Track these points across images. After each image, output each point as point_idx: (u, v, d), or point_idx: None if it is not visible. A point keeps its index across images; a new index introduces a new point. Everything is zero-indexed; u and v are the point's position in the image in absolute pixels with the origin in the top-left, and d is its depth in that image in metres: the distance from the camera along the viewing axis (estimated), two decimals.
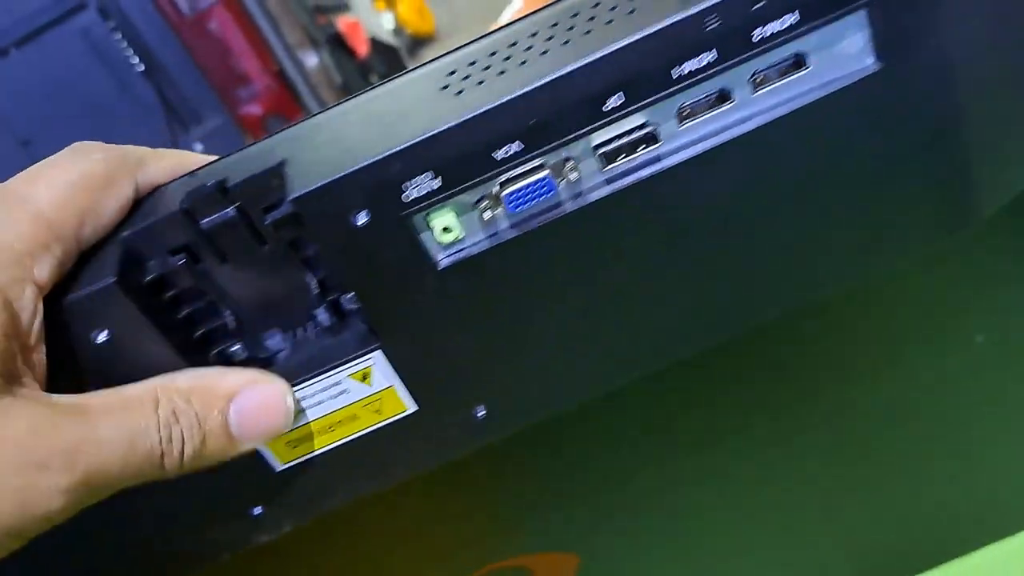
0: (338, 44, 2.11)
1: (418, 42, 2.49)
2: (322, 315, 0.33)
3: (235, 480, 0.35)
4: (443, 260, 0.31)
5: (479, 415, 0.35)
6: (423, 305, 0.31)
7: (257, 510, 0.35)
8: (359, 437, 0.35)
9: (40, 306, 0.28)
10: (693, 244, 0.32)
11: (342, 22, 2.26)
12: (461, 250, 0.31)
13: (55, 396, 0.27)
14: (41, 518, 0.26)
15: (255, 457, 0.33)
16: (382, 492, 0.36)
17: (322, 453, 0.35)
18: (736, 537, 0.45)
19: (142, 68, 1.54)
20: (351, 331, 0.33)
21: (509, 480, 0.40)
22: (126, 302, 0.30)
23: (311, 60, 1.75)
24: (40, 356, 0.28)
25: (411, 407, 0.34)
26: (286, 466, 0.35)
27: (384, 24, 2.38)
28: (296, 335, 0.33)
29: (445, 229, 0.30)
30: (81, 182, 0.30)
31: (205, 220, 0.29)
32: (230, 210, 0.29)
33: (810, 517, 0.45)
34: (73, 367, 0.30)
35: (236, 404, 0.30)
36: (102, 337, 0.30)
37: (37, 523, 0.26)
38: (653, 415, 0.38)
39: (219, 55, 1.55)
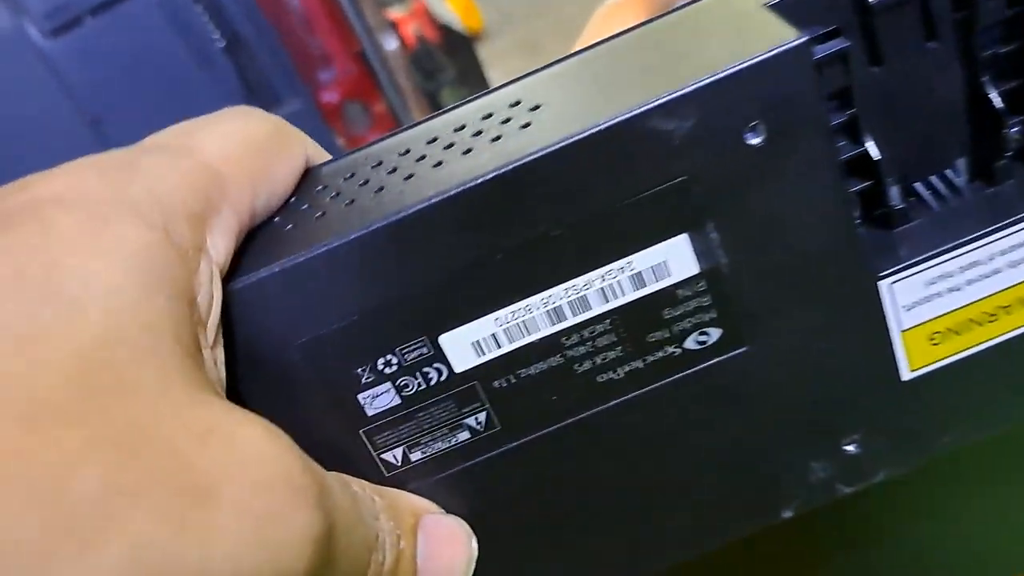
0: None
1: (465, 39, 2.41)
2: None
3: (842, 391, 0.26)
4: None
5: None
6: None
7: (852, 442, 0.24)
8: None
9: (218, 291, 0.22)
10: None
11: (392, 14, 2.21)
12: None
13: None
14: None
15: (875, 357, 0.26)
16: None
17: (965, 358, 0.23)
18: None
19: (223, 44, 1.43)
20: None
21: None
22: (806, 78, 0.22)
23: (391, 43, 1.65)
24: (218, 362, 0.22)
25: None
26: (916, 374, 0.23)
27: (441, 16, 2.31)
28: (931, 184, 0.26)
29: None
30: (253, 140, 0.24)
31: None
32: None
33: None
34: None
35: (423, 530, 0.25)
36: (759, 134, 0.22)
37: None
38: None
39: (301, 32, 1.45)
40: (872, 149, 0.24)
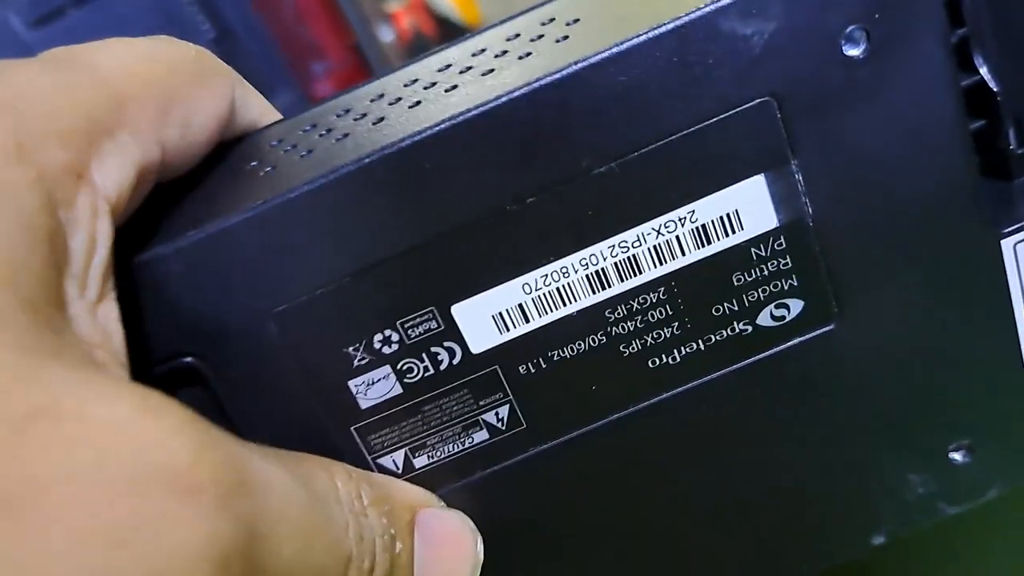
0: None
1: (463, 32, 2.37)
2: None
3: (930, 390, 0.22)
4: None
5: None
6: None
7: (959, 453, 0.21)
8: None
9: (106, 231, 0.17)
10: None
11: (388, 6, 2.19)
12: None
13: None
14: None
15: (979, 345, 0.21)
16: None
17: None
18: None
19: (213, 35, 1.38)
20: None
21: None
22: None
23: (387, 35, 1.61)
24: (104, 318, 0.17)
25: None
26: None
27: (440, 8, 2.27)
28: None
29: None
30: (166, 59, 0.20)
31: None
32: None
33: None
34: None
35: (420, 528, 0.21)
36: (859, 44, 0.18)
37: None
38: None
39: (293, 23, 1.40)
40: (989, 79, 0.20)
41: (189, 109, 0.20)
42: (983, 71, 0.19)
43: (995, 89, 0.19)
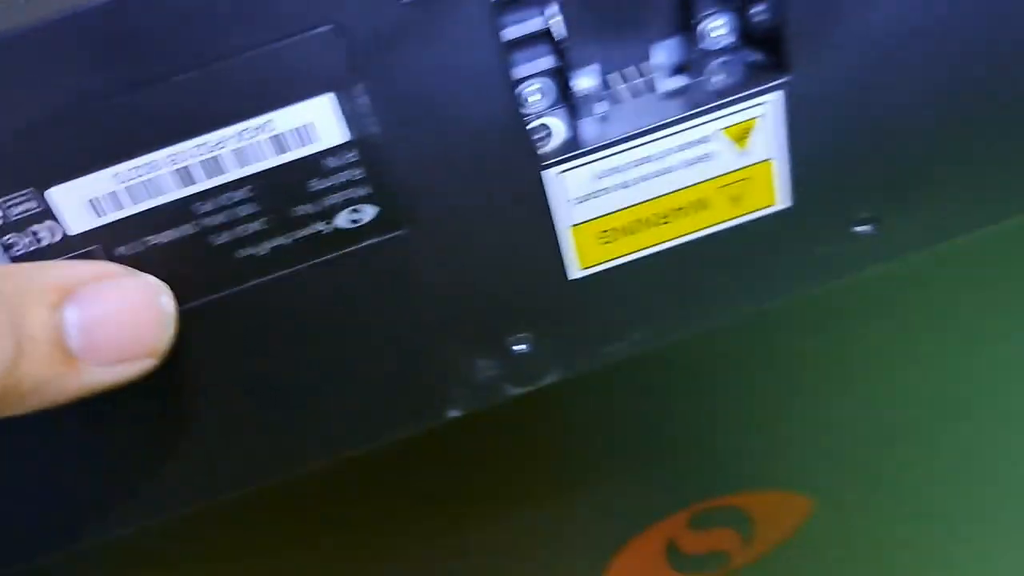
0: None
1: None
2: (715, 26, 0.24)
3: (506, 287, 0.25)
4: None
5: (861, 228, 0.26)
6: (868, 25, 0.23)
7: (521, 341, 0.23)
8: (694, 243, 0.25)
9: None
10: None
11: None
12: None
13: None
14: None
15: (542, 253, 0.24)
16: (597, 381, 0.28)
17: (637, 260, 0.23)
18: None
19: None
20: (740, 61, 0.24)
21: (739, 394, 0.32)
22: None
23: None
24: None
25: (782, 202, 0.25)
26: (585, 273, 0.23)
27: None
28: (624, 75, 0.25)
29: None
30: None
31: None
32: None
33: None
34: None
35: (76, 307, 0.20)
36: None
37: None
38: None
39: None
40: (557, 26, 0.23)
41: None
42: (553, 20, 0.23)
43: (561, 36, 0.23)
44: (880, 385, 0.33)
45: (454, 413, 0.26)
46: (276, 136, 0.21)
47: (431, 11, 0.20)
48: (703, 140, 0.23)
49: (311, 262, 0.23)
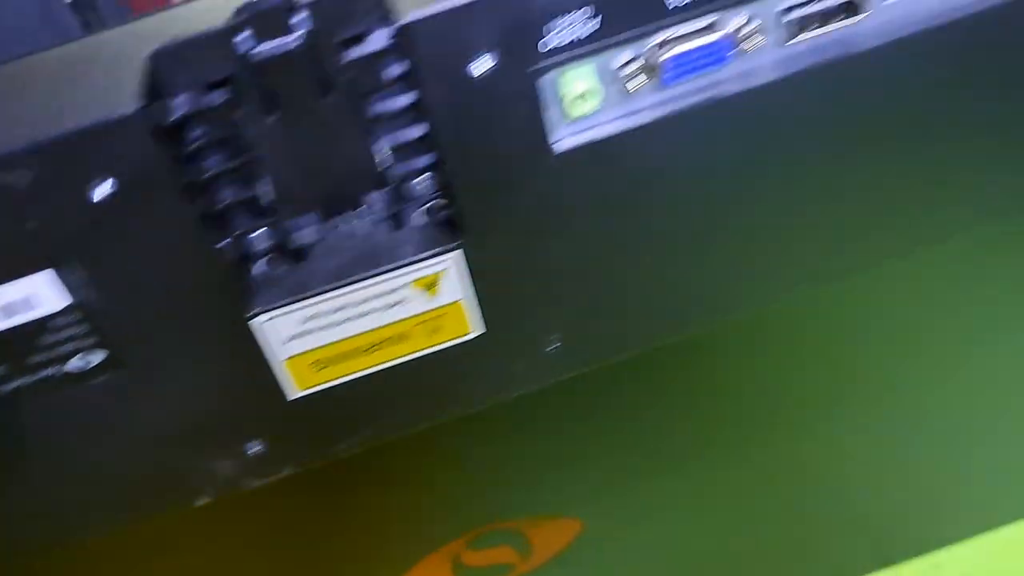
0: None
1: None
2: (383, 199, 0.27)
3: (231, 407, 0.29)
4: (566, 140, 0.26)
5: (551, 348, 0.30)
6: (527, 195, 0.26)
7: (254, 446, 0.27)
8: (403, 363, 0.28)
9: None
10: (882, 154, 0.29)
11: None
12: (591, 127, 0.26)
13: None
14: None
15: (261, 380, 0.28)
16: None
17: (352, 380, 0.27)
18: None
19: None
20: (420, 225, 0.28)
21: (522, 435, 0.36)
22: (147, 143, 0.23)
23: None
24: None
25: (476, 330, 0.29)
26: (303, 393, 0.27)
27: None
28: (338, 225, 0.28)
29: (581, 96, 0.25)
30: None
31: (259, 48, 0.23)
32: (294, 38, 0.23)
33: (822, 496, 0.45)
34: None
35: None
36: (104, 191, 0.23)
37: None
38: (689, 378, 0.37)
39: None
40: (266, 193, 0.26)
41: None
42: (263, 189, 0.26)
43: (269, 200, 0.26)
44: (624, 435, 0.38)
45: (204, 500, 0.30)
46: (4, 305, 0.25)
47: (128, 206, 0.23)
48: (395, 291, 0.27)
49: (55, 394, 0.27)
